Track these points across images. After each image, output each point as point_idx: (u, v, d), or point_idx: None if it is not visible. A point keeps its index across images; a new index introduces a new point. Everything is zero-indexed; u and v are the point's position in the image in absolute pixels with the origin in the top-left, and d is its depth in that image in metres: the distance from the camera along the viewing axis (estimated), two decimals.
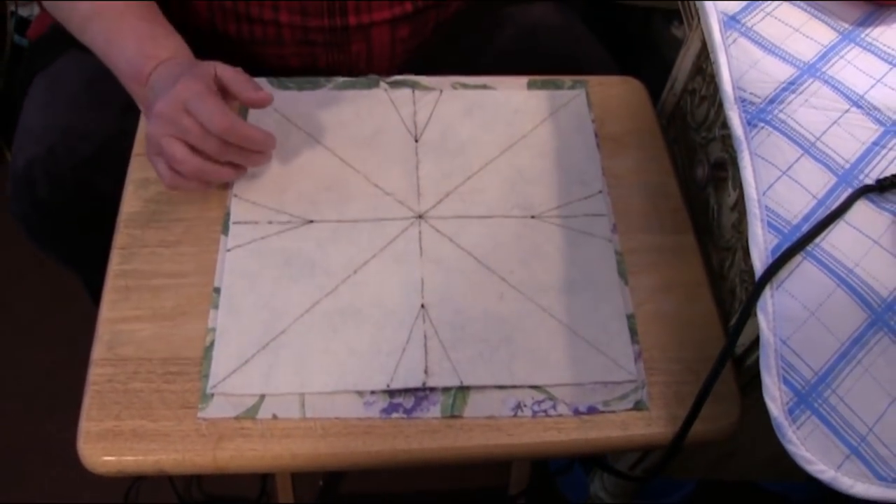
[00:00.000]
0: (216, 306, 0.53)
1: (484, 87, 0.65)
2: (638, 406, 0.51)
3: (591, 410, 0.50)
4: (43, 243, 0.72)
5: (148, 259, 0.56)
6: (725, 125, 0.50)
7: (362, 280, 0.55)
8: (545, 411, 0.50)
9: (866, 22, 0.53)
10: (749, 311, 0.44)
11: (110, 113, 0.64)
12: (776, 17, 0.52)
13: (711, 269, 0.57)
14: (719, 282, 0.56)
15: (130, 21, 0.59)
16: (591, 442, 0.50)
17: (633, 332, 0.53)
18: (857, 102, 0.49)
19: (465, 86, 0.65)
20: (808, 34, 0.52)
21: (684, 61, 0.60)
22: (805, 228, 0.45)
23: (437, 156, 0.61)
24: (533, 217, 0.58)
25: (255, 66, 0.62)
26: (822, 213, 0.45)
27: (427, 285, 0.55)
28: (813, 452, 0.40)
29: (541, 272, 0.56)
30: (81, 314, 1.18)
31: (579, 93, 0.65)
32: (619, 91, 0.66)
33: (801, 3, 0.53)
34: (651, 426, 0.50)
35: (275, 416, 0.49)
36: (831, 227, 0.45)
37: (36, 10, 1.27)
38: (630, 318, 0.54)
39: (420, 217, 0.58)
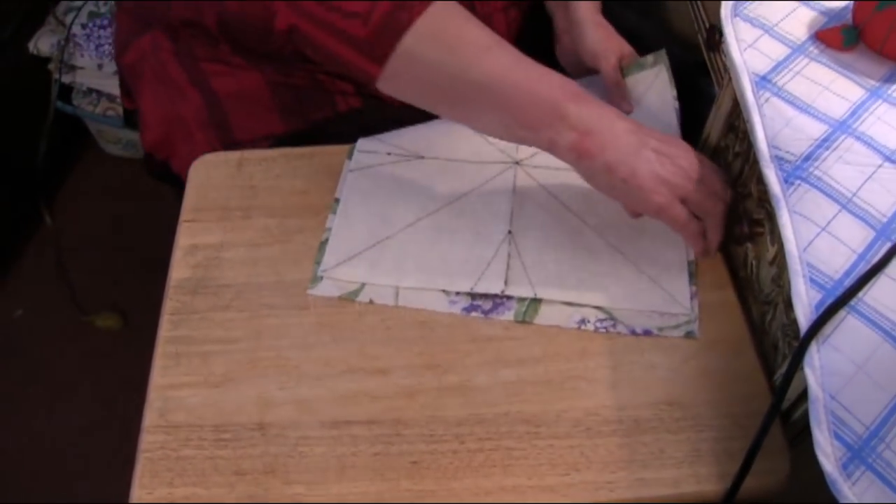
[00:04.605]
0: (334, 212, 0.63)
1: None
2: (688, 335, 0.56)
3: (647, 332, 0.56)
4: None
5: (197, 325, 0.57)
6: (761, 181, 0.51)
7: (460, 207, 0.63)
8: (606, 328, 0.57)
9: (892, 78, 0.54)
10: (796, 366, 0.45)
11: None
12: (805, 76, 0.53)
13: (752, 322, 0.58)
14: (761, 336, 0.56)
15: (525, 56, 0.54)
16: (642, 500, 0.50)
17: (692, 276, 0.59)
18: (890, 157, 0.50)
19: None
20: (838, 92, 0.53)
21: (716, 119, 0.62)
22: (847, 283, 0.45)
23: None
24: None
25: None
26: (863, 268, 0.46)
27: (515, 216, 0.63)
28: None
29: (616, 217, 0.62)
30: (118, 376, 1.20)
31: (660, 68, 0.69)
32: None
33: (829, 62, 0.54)
34: (702, 483, 0.50)
35: (371, 301, 0.58)
36: (873, 281, 0.45)
37: (77, 77, 1.32)
38: (691, 263, 0.60)
39: (517, 163, 0.66)
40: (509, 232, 0.62)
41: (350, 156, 0.67)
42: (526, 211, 0.63)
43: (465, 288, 0.58)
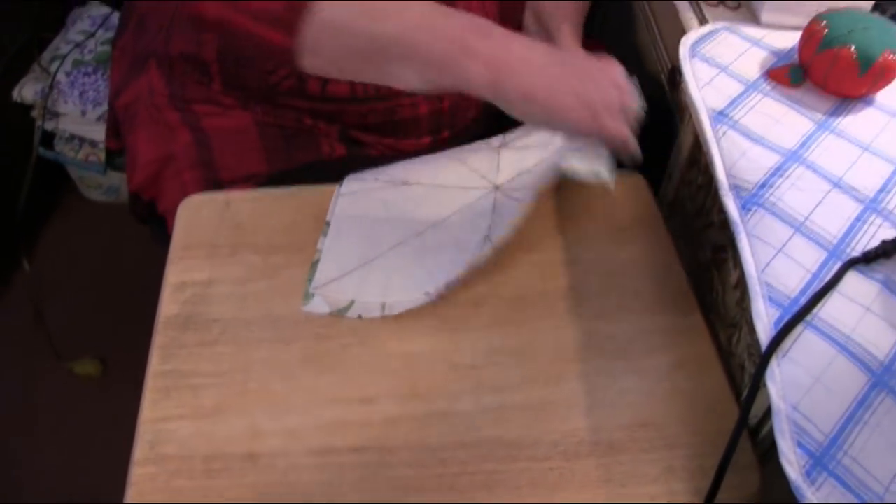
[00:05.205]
0: (325, 234, 0.67)
1: None
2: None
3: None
4: None
5: (186, 359, 0.59)
6: (722, 211, 0.54)
7: (443, 227, 0.67)
8: None
9: (836, 112, 0.58)
10: (759, 380, 0.47)
11: None
12: (759, 111, 0.57)
13: (720, 345, 0.60)
14: (728, 357, 0.59)
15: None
16: None
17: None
18: (837, 183, 0.54)
19: None
20: (788, 125, 0.57)
21: (680, 154, 0.65)
22: (803, 301, 0.48)
23: (517, 148, 0.71)
24: None
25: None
26: (817, 286, 0.49)
27: (493, 230, 0.65)
28: None
29: None
30: (97, 423, 1.19)
31: None
32: (624, 186, 0.70)
33: (780, 98, 0.59)
34: (677, 499, 0.52)
35: (360, 317, 0.62)
36: (826, 298, 0.48)
37: (60, 123, 1.34)
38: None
39: (496, 188, 0.69)
40: (487, 237, 0.65)
41: (340, 183, 0.71)
42: (503, 226, 0.66)
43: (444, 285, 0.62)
